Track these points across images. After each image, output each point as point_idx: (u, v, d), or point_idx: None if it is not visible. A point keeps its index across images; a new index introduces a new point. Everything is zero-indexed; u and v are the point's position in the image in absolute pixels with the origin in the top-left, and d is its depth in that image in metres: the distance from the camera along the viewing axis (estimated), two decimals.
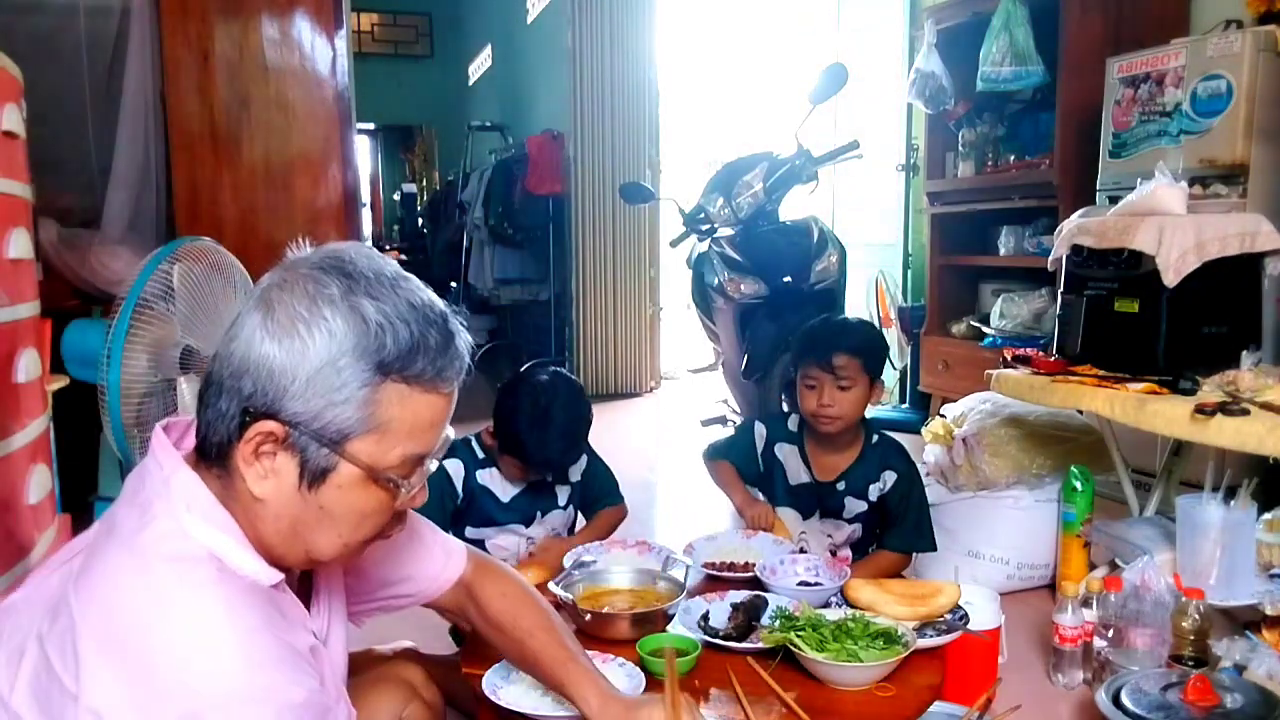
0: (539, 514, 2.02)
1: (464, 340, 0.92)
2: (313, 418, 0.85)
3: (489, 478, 1.98)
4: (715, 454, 2.23)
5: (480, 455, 2.00)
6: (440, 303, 0.92)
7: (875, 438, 2.17)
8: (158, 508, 0.87)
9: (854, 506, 2.15)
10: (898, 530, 2.14)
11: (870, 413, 2.18)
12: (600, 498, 2.11)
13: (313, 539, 0.91)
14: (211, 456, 0.89)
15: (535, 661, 1.23)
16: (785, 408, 2.21)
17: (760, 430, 2.21)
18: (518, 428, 1.87)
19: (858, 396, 2.06)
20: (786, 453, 2.17)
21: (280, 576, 0.91)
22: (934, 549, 2.19)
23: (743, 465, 2.19)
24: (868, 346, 2.10)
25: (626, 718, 1.14)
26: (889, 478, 2.13)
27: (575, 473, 2.06)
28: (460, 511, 1.98)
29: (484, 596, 1.26)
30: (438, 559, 1.25)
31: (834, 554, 2.11)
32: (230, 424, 0.87)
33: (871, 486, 2.13)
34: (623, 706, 1.16)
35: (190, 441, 0.94)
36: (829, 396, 2.04)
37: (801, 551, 1.94)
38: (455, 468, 1.96)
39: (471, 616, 1.28)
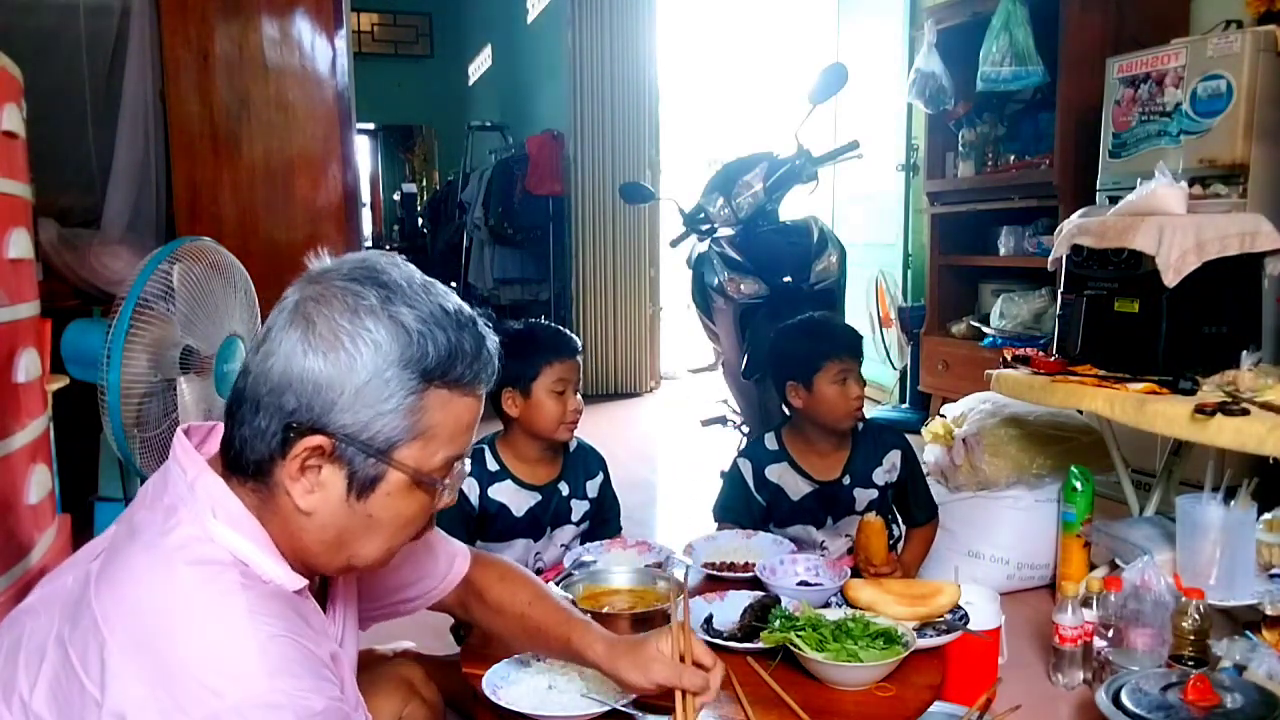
0: (549, 529, 2.01)
1: (493, 342, 0.94)
2: (361, 429, 0.86)
3: (502, 491, 1.96)
4: (719, 516, 2.21)
5: (494, 468, 1.97)
6: (467, 307, 0.93)
7: (860, 425, 2.18)
8: (182, 513, 0.87)
9: (865, 497, 2.14)
10: (917, 501, 2.21)
11: (871, 413, 2.19)
12: (609, 520, 2.11)
13: (357, 547, 0.92)
14: (248, 472, 0.89)
15: (538, 629, 1.25)
16: (786, 410, 2.19)
17: (745, 466, 2.17)
18: None
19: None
20: (779, 472, 2.14)
21: (304, 583, 0.91)
22: (936, 508, 2.27)
23: (742, 510, 2.15)
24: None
25: (634, 653, 1.18)
26: (895, 457, 2.15)
27: (593, 488, 2.05)
28: (470, 525, 1.97)
29: (484, 584, 1.29)
30: (443, 561, 1.28)
31: (850, 553, 2.11)
32: (272, 441, 0.86)
33: (876, 471, 2.14)
34: (628, 645, 1.20)
35: (211, 446, 0.94)
36: (857, 386, 2.08)
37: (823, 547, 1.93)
38: (469, 485, 1.93)
39: (473, 607, 1.31)
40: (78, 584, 0.88)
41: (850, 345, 2.12)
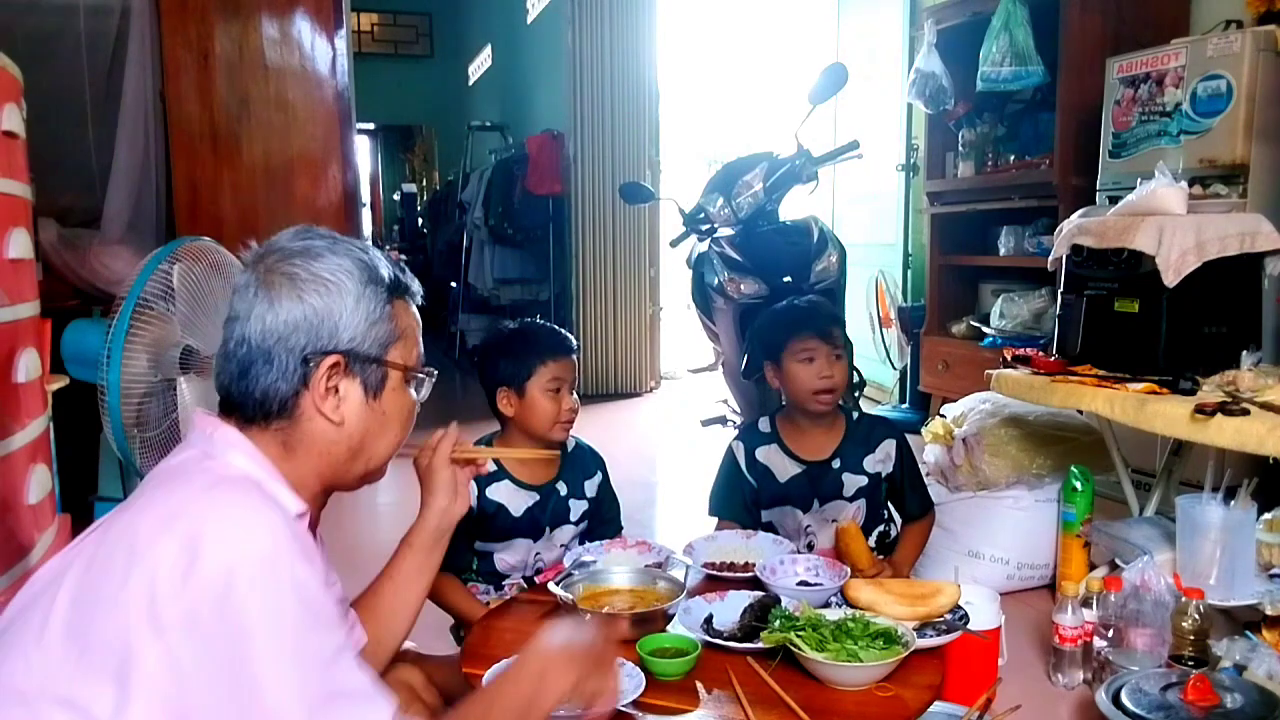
0: (548, 529, 2.01)
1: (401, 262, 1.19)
2: (360, 340, 1.08)
3: (500, 492, 1.95)
4: (713, 508, 2.22)
5: (491, 468, 1.95)
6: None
7: (856, 414, 2.19)
8: (199, 452, 1.04)
9: (853, 482, 2.13)
10: (912, 494, 2.18)
11: (871, 412, 2.19)
12: (610, 520, 2.10)
13: (376, 445, 1.13)
14: (274, 413, 1.07)
15: (395, 572, 1.35)
16: (784, 401, 2.19)
17: (738, 448, 2.18)
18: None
19: (845, 367, 2.12)
20: (768, 454, 2.15)
21: (305, 507, 1.07)
22: (932, 503, 2.24)
23: (734, 494, 2.16)
24: (843, 320, 2.30)
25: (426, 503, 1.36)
26: (889, 447, 2.14)
27: (591, 487, 2.04)
28: (468, 525, 1.96)
29: (364, 608, 1.31)
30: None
31: None
32: (293, 377, 1.06)
33: (868, 459, 2.13)
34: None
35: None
36: (829, 367, 2.06)
37: (810, 548, 1.92)
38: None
39: (379, 633, 1.31)
40: (97, 538, 0.98)
41: (818, 325, 2.10)
